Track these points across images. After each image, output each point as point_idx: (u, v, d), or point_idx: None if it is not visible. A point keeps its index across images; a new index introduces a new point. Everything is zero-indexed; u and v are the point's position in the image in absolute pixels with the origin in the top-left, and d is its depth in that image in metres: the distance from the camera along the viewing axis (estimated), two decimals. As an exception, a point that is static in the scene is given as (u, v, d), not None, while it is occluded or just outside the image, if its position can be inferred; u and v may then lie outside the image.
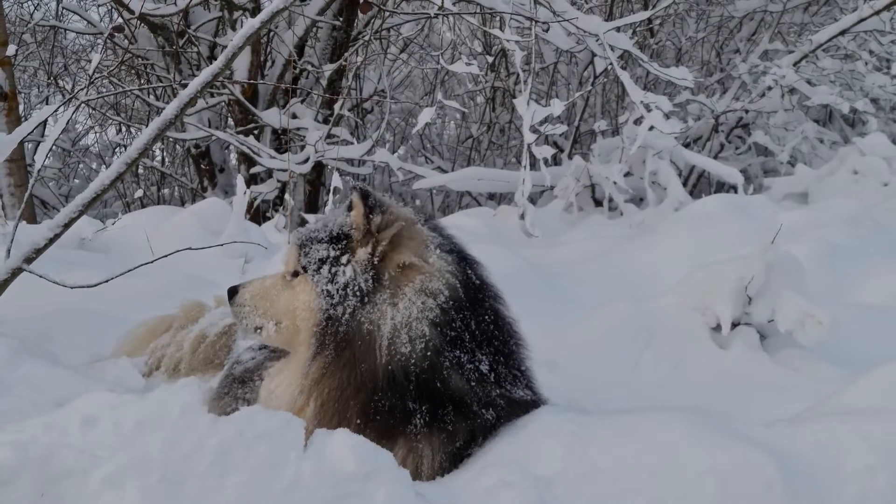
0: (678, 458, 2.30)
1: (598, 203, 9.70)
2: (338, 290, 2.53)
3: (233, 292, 2.89)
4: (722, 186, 11.49)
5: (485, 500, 2.25)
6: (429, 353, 2.47)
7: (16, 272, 3.44)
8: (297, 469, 2.08)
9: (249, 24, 3.52)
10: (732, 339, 4.07)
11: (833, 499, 2.24)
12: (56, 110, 3.62)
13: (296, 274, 2.73)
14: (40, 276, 3.43)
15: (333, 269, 2.56)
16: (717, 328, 4.12)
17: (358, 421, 2.43)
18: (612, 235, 7.20)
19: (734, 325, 4.08)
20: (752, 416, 2.98)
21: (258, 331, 2.81)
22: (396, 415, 2.46)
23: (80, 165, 15.73)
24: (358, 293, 2.51)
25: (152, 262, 3.92)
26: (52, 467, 1.99)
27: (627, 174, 9.35)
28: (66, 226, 3.44)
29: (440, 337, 2.49)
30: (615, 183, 8.78)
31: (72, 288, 3.47)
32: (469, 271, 2.65)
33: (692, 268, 4.42)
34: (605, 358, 4.01)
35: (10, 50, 4.99)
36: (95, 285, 3.55)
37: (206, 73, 3.49)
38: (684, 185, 10.96)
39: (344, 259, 2.56)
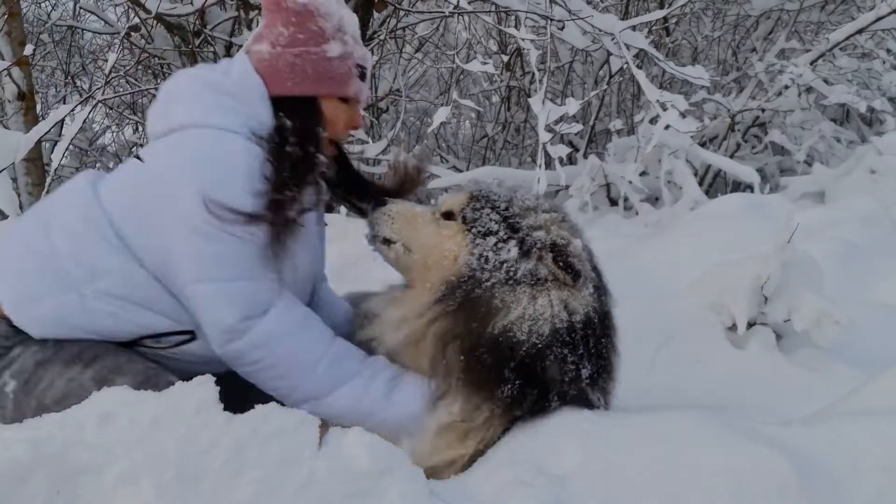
0: (693, 458, 2.30)
1: (614, 202, 9.68)
2: (495, 261, 2.62)
3: (381, 202, 2.95)
4: (738, 186, 11.43)
5: (500, 498, 2.25)
6: (539, 346, 2.58)
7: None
8: (311, 466, 2.09)
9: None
10: (748, 339, 4.06)
11: (849, 499, 2.23)
12: (73, 110, 3.64)
13: (449, 216, 2.78)
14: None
15: (500, 245, 2.65)
16: (733, 328, 4.11)
17: (462, 359, 2.59)
18: (627, 235, 7.17)
19: (750, 324, 4.07)
20: (768, 416, 2.97)
21: (386, 243, 2.87)
22: (493, 374, 2.58)
23: (98, 165, 15.79)
24: (509, 273, 2.61)
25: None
26: (67, 464, 2.01)
27: (643, 173, 9.32)
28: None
29: (556, 339, 2.60)
30: (630, 182, 8.75)
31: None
32: (602, 300, 2.81)
33: (708, 267, 4.40)
34: (621, 357, 3.99)
35: (28, 50, 5.02)
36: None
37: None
38: (700, 184, 10.90)
39: (512, 244, 2.64)
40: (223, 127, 2.72)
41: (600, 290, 2.79)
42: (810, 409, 3.01)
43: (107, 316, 2.69)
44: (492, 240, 2.64)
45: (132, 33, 10.40)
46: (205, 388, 2.18)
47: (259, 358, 2.70)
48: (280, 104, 2.85)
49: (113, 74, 3.73)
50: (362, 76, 2.95)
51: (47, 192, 3.74)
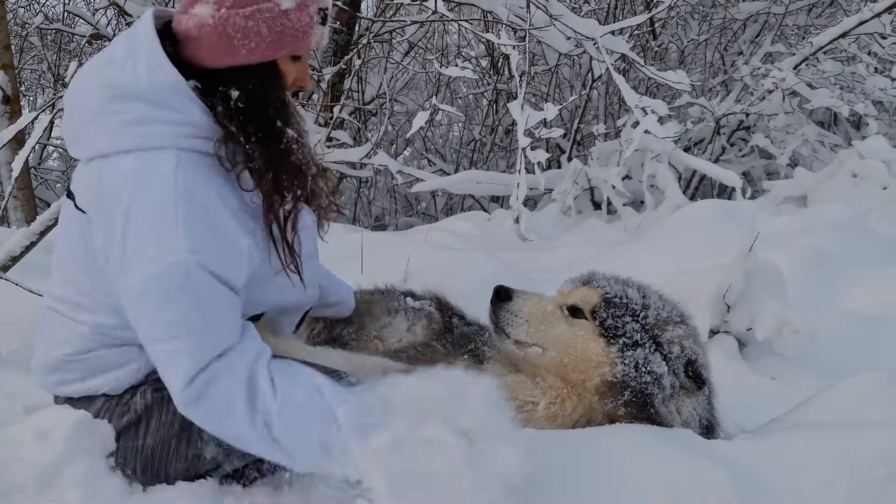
0: (632, 471, 2.31)
1: (598, 206, 9.67)
2: (644, 370, 2.67)
3: (506, 295, 2.86)
4: (724, 189, 11.43)
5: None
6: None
7: (-9, 280, 3.47)
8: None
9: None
10: (711, 348, 4.03)
11: (789, 514, 2.24)
12: (34, 118, 3.66)
13: (575, 311, 2.78)
14: (16, 284, 3.45)
15: (648, 358, 2.68)
16: (696, 336, 4.11)
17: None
18: (605, 240, 7.18)
19: (713, 332, 4.07)
20: (727, 426, 2.98)
21: (517, 344, 2.80)
22: None
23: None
24: (659, 383, 2.67)
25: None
26: (4, 482, 2.02)
27: (626, 177, 9.32)
28: (43, 233, 3.46)
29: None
30: (613, 187, 8.75)
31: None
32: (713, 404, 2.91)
33: (672, 275, 4.40)
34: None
35: None
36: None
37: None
38: (687, 188, 10.92)
39: (658, 358, 2.69)
40: (148, 146, 2.31)
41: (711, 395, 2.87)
42: (769, 418, 3.03)
43: None
44: (641, 352, 2.67)
45: (94, 42, 10.36)
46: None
47: None
48: (227, 75, 2.40)
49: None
50: (324, 20, 2.47)
51: (8, 199, 3.74)
